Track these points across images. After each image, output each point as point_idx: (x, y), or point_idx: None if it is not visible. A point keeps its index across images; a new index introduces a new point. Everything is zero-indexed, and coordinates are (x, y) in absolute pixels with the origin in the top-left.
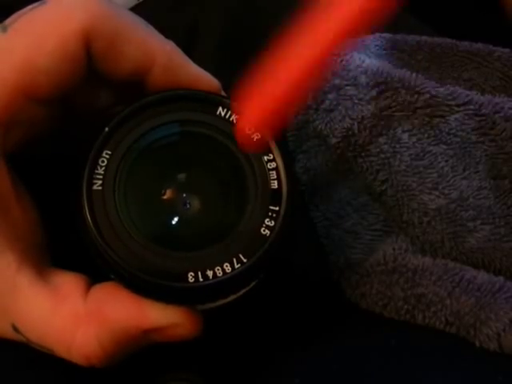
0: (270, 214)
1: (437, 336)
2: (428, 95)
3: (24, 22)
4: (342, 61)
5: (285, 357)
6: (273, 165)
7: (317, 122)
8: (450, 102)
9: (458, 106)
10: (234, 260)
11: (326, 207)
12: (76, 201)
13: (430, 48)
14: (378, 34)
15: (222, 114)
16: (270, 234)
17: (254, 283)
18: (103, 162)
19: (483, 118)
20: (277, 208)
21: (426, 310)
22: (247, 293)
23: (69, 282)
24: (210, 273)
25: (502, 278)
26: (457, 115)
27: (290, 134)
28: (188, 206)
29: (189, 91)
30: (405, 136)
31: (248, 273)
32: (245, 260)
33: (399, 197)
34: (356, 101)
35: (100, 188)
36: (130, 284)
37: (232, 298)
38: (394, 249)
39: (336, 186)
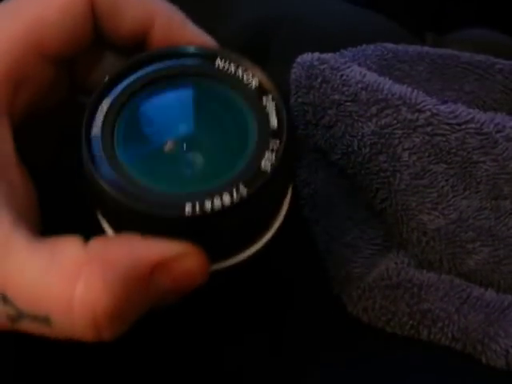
0: (271, 148)
1: (441, 352)
2: (429, 113)
3: None
4: (342, 75)
5: (286, 372)
6: (272, 105)
7: (316, 138)
8: (450, 121)
9: (458, 124)
10: (234, 191)
11: (326, 222)
12: (77, 148)
13: (431, 59)
14: (379, 44)
15: (221, 65)
16: (271, 167)
17: (261, 245)
18: (103, 109)
19: (485, 137)
20: (277, 144)
21: (432, 325)
22: (256, 256)
23: (66, 238)
24: (208, 203)
25: (509, 296)
26: (458, 134)
27: None
28: (190, 153)
29: (189, 47)
30: (405, 154)
31: (248, 204)
32: (245, 192)
33: (398, 216)
34: (356, 117)
35: (99, 134)
36: (130, 222)
37: (238, 258)
38: (396, 263)
39: (336, 201)
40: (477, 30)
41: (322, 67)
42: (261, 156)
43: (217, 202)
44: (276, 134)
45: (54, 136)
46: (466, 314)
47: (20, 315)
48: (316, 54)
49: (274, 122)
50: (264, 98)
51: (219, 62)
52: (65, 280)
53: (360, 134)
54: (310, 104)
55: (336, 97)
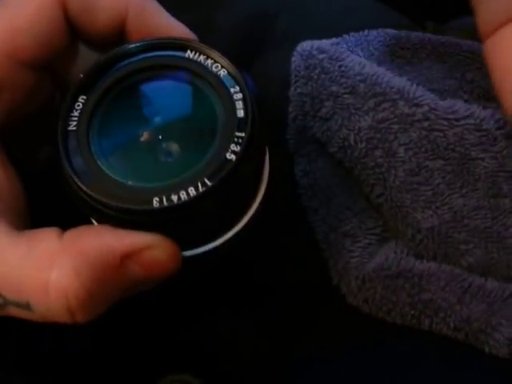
0: (235, 139)
1: (443, 342)
2: (427, 108)
3: None
4: (340, 66)
5: (287, 363)
6: (239, 96)
7: (314, 129)
8: (449, 116)
9: (457, 120)
10: (199, 184)
11: (325, 211)
12: (54, 142)
13: (432, 47)
14: (381, 29)
15: (191, 56)
16: (235, 157)
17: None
18: (78, 106)
19: (484, 133)
20: (242, 134)
21: (434, 315)
22: (231, 242)
23: (43, 230)
24: (174, 197)
25: (511, 285)
26: (456, 130)
27: (290, 137)
28: (161, 146)
29: (160, 39)
30: (401, 150)
31: (213, 195)
32: (209, 183)
33: (393, 212)
34: (353, 110)
35: (74, 129)
36: (101, 215)
37: (211, 244)
38: (395, 252)
39: (336, 191)
40: None
41: (320, 57)
42: (226, 147)
43: (182, 195)
44: (242, 124)
45: (44, 132)
46: (467, 303)
47: (5, 302)
48: (316, 43)
49: (240, 113)
50: (232, 89)
51: (189, 53)
52: (40, 269)
53: (357, 127)
54: (307, 95)
55: (334, 88)
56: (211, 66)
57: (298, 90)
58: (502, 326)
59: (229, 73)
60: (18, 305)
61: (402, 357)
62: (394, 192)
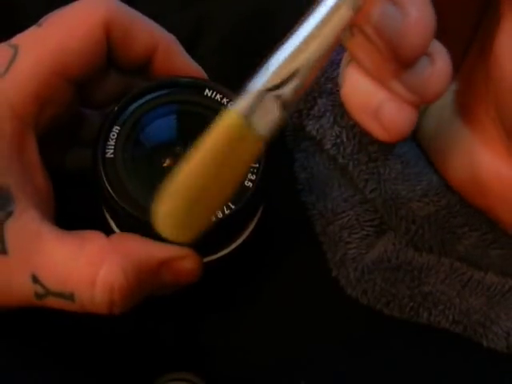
0: (251, 170)
1: (441, 335)
2: None
3: (55, 17)
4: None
5: (287, 358)
6: None
7: (309, 127)
8: None
9: None
10: (224, 207)
11: (323, 205)
12: (92, 168)
13: None
14: None
15: (209, 94)
16: (252, 185)
17: (243, 238)
18: (114, 135)
19: None
20: (257, 165)
21: (433, 308)
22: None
23: (89, 231)
24: None
25: (510, 280)
26: None
27: (289, 134)
28: None
29: (183, 78)
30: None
31: (236, 216)
32: (233, 206)
33: (387, 205)
34: None
35: (112, 156)
36: (141, 230)
37: (225, 251)
38: (394, 244)
39: (333, 184)
40: None
41: None
42: (244, 176)
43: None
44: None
45: (63, 141)
46: (467, 296)
47: (47, 293)
48: None
49: None
50: None
51: (207, 92)
52: (90, 264)
53: (349, 124)
54: None
55: (328, 85)
56: (227, 104)
57: None
58: (501, 319)
59: None
60: (61, 295)
61: (399, 350)
62: (389, 185)
